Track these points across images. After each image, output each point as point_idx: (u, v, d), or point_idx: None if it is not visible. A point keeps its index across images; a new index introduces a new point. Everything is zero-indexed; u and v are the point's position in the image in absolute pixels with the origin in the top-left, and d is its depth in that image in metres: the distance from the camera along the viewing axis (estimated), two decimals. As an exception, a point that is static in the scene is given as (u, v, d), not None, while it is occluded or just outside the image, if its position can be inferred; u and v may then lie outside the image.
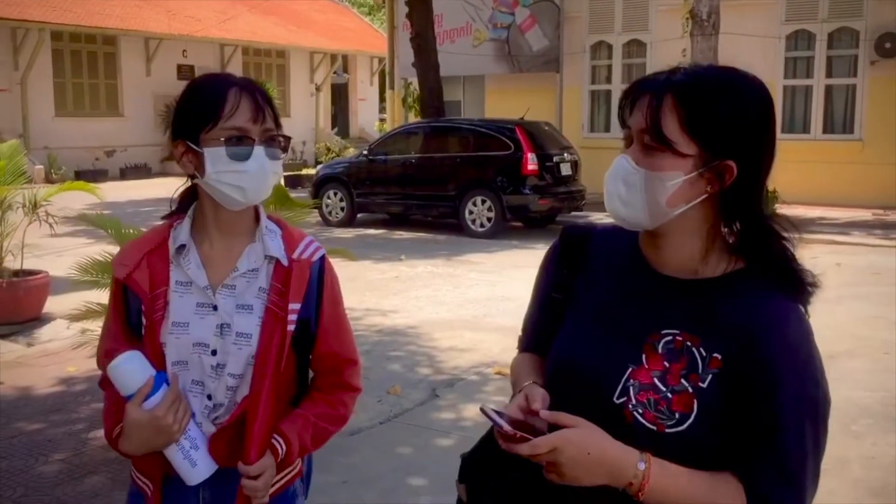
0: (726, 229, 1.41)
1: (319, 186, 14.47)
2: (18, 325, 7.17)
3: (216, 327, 1.73)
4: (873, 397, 5.28)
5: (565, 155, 13.09)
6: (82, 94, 24.51)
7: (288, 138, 1.76)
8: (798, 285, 1.40)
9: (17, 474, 4.25)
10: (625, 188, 1.39)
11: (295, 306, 1.74)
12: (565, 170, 12.99)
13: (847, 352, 6.18)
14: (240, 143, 1.67)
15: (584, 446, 1.30)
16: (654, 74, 1.41)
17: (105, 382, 1.80)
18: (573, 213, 13.47)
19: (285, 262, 1.76)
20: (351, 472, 4.26)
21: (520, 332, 1.71)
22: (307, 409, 1.80)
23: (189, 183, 1.81)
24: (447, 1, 17.25)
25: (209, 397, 1.75)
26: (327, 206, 14.22)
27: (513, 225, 13.35)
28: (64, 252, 9.72)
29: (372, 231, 13.48)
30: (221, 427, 1.74)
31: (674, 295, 1.42)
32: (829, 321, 6.03)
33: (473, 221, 12.86)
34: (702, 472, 1.33)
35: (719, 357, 1.35)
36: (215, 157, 1.68)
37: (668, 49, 15.94)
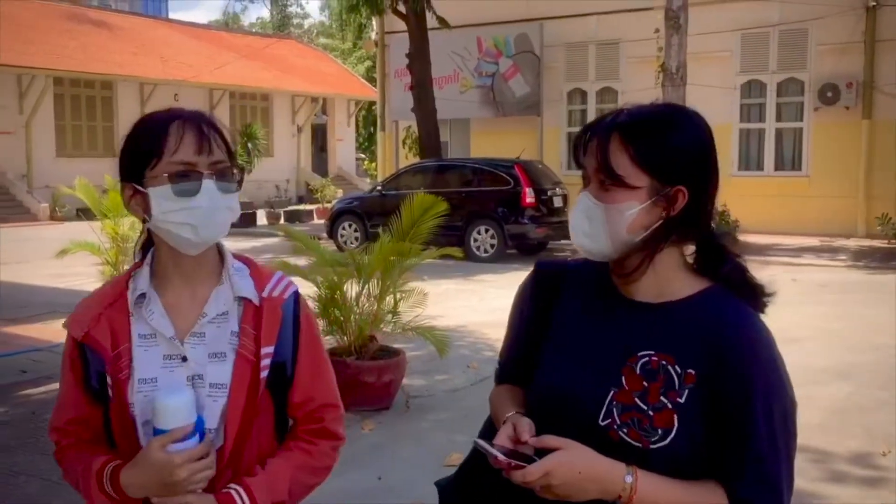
0: (688, 253, 1.52)
1: (335, 219, 16.27)
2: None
3: (187, 380, 1.59)
4: (827, 362, 7.24)
5: (557, 189, 14.98)
6: (81, 136, 25.92)
7: (241, 170, 1.62)
8: (757, 296, 1.50)
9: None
10: (588, 222, 1.48)
11: (268, 350, 1.60)
12: (557, 202, 14.86)
13: (807, 337, 8.08)
14: (186, 178, 1.53)
15: (574, 466, 1.38)
16: (601, 118, 1.50)
17: (59, 454, 1.68)
18: (563, 241, 15.38)
19: (257, 301, 1.62)
20: (467, 410, 5.95)
21: (496, 366, 1.77)
22: (283, 460, 1.65)
23: (145, 229, 1.64)
24: (437, 51, 19.02)
25: None
26: (342, 235, 15.96)
27: (509, 252, 15.10)
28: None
29: (385, 258, 15.18)
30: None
31: (646, 318, 1.49)
32: (793, 318, 7.97)
33: (478, 248, 14.61)
34: (687, 482, 1.41)
35: (693, 373, 1.43)
36: (161, 196, 1.53)
37: (637, 96, 17.69)
